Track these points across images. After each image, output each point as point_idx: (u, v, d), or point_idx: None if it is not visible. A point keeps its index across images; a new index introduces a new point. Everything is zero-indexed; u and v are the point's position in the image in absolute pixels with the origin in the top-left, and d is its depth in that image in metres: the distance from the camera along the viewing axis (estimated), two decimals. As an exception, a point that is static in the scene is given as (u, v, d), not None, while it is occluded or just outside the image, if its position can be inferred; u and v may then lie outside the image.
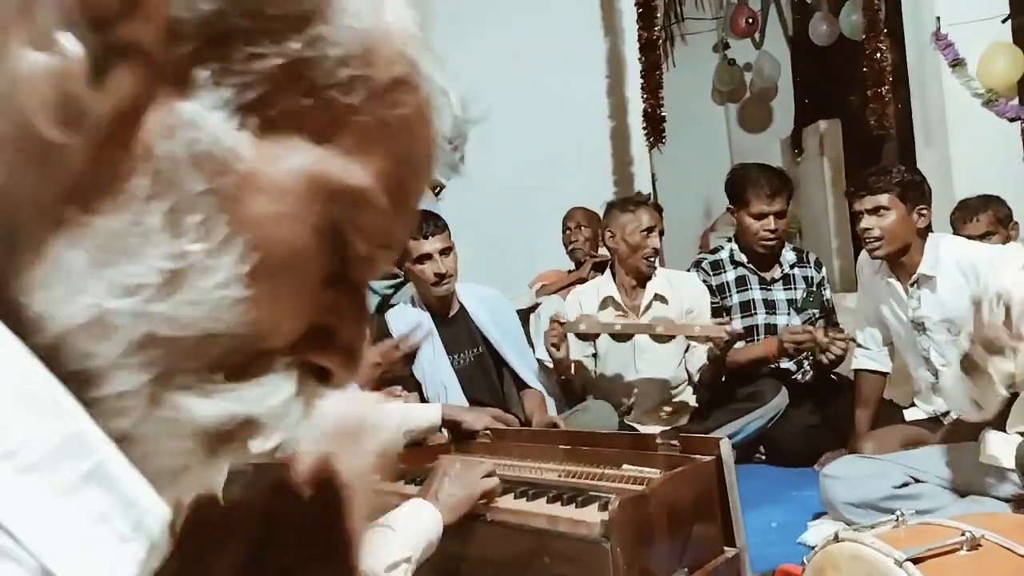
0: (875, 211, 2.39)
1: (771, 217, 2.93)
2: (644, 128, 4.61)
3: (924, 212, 2.42)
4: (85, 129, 0.31)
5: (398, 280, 3.07)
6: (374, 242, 0.37)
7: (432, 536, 1.21)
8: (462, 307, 2.65)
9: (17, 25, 0.29)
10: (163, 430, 0.33)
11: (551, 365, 2.76)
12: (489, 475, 1.40)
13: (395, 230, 0.38)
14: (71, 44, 0.29)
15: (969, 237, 2.71)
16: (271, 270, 0.33)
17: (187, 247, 0.31)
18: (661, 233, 2.87)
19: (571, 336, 2.67)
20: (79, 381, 0.30)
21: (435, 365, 2.57)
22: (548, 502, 1.39)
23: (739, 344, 2.92)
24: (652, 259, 2.83)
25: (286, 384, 0.36)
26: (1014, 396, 1.93)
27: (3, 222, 0.31)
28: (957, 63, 3.80)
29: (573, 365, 2.75)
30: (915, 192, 2.42)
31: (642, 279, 2.85)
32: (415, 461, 1.56)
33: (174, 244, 0.31)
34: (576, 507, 1.34)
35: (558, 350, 2.61)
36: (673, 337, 2.70)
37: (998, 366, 1.73)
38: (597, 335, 2.74)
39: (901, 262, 2.45)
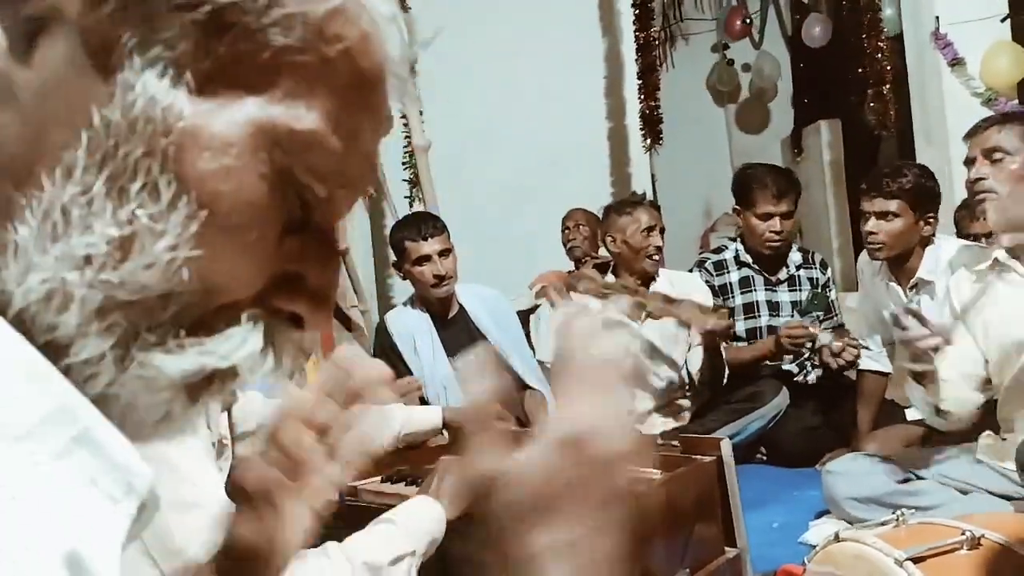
0: (883, 215, 2.35)
1: (777, 218, 2.88)
2: (641, 129, 4.61)
3: (931, 220, 2.40)
4: (15, 106, 0.30)
5: None
6: (332, 183, 0.36)
7: (435, 531, 1.21)
8: (462, 308, 2.65)
9: None
10: (138, 387, 0.33)
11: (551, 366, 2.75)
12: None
13: (351, 168, 0.37)
14: None
15: (975, 236, 2.70)
16: (223, 225, 0.33)
17: (134, 212, 0.31)
18: (662, 231, 2.87)
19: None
20: (47, 352, 0.31)
21: (435, 366, 2.57)
22: (549, 503, 1.39)
23: (739, 344, 2.92)
24: (656, 258, 2.83)
25: (254, 335, 0.35)
26: (991, 402, 1.94)
27: None
28: (956, 62, 3.80)
29: None
30: (926, 200, 2.38)
31: (646, 280, 2.85)
32: (416, 462, 1.56)
33: (120, 211, 0.31)
34: (577, 508, 1.34)
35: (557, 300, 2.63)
36: (673, 329, 2.70)
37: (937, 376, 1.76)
38: (594, 292, 2.66)
39: (902, 266, 2.44)
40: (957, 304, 1.95)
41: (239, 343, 0.35)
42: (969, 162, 1.95)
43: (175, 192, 0.31)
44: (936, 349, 1.72)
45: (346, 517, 1.21)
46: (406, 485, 1.53)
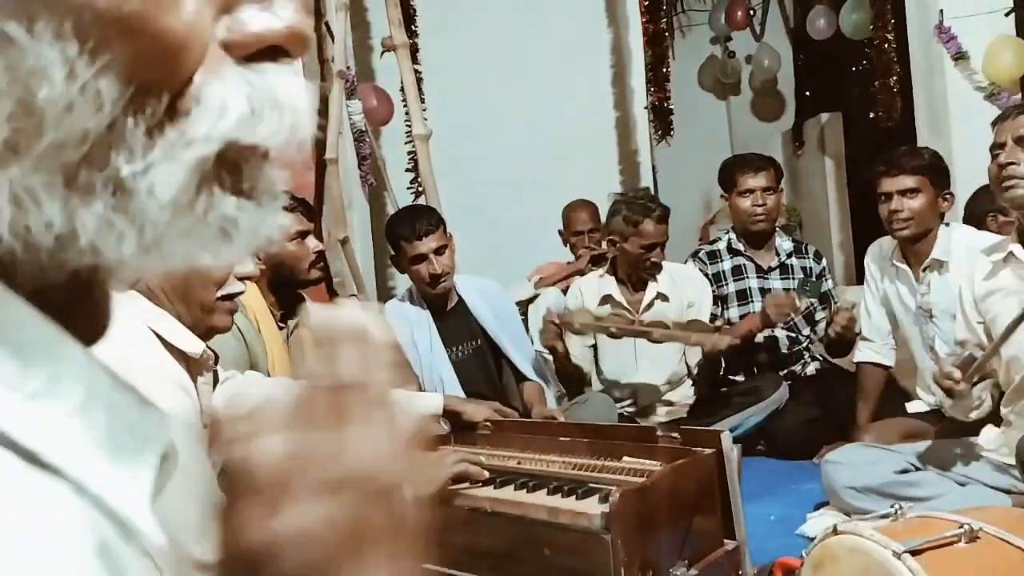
0: (905, 192, 2.38)
1: (758, 192, 2.99)
2: (651, 121, 4.61)
3: (948, 197, 2.44)
4: None
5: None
6: None
7: None
8: (461, 300, 2.65)
9: None
10: (173, 230, 0.30)
11: (550, 358, 2.76)
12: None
13: None
14: None
15: (992, 216, 2.70)
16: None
17: (9, 65, 0.27)
18: (663, 245, 2.82)
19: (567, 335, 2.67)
20: (58, 250, 0.29)
21: (433, 358, 2.57)
22: (549, 494, 1.40)
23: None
24: (653, 271, 2.81)
25: (231, 87, 0.31)
26: (1002, 394, 1.95)
27: None
28: (960, 56, 3.79)
29: (572, 360, 2.75)
30: (943, 176, 2.43)
31: (642, 283, 2.85)
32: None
33: None
34: (577, 499, 1.34)
35: (556, 348, 2.62)
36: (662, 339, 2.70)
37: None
38: (590, 332, 2.72)
39: (915, 248, 2.45)
40: (971, 297, 1.95)
41: (218, 110, 0.31)
42: (997, 147, 1.93)
43: (27, 23, 0.27)
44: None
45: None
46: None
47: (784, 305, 2.70)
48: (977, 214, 2.73)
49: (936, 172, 2.41)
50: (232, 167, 0.32)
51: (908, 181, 2.38)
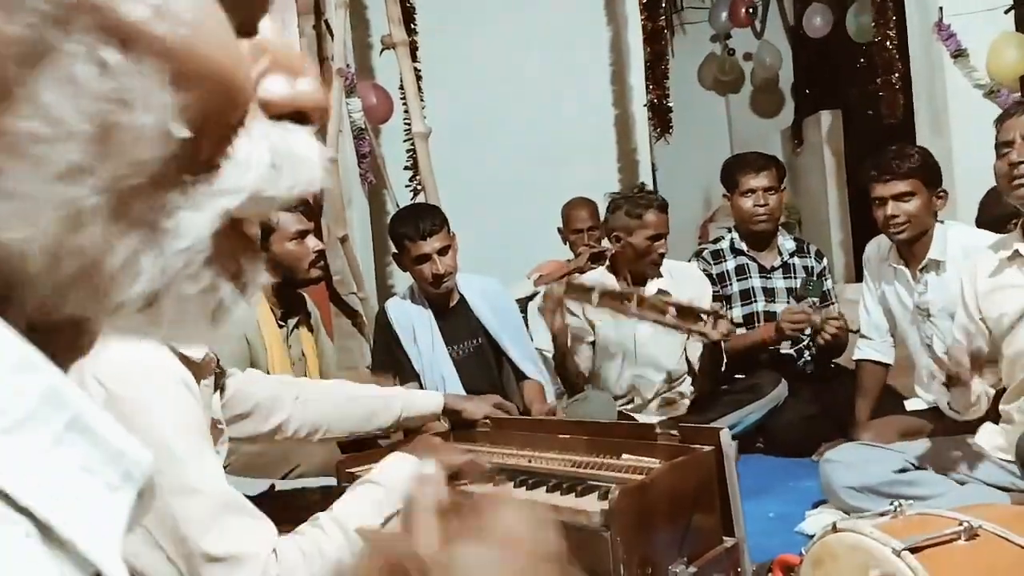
0: (900, 196, 2.38)
1: (760, 192, 2.99)
2: (650, 119, 4.61)
3: (942, 195, 2.43)
4: None
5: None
6: None
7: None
8: (462, 298, 2.65)
9: None
10: (179, 272, 0.32)
11: (550, 355, 2.75)
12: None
13: None
14: None
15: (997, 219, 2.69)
16: (184, 50, 0.30)
17: (93, 95, 0.28)
18: (667, 235, 2.82)
19: (570, 319, 2.67)
20: (85, 277, 0.30)
21: (434, 356, 2.57)
22: (548, 491, 1.39)
23: (739, 331, 2.93)
24: (658, 265, 2.80)
25: (256, 145, 0.33)
26: (1001, 391, 1.95)
27: None
28: (959, 54, 3.79)
29: (571, 338, 2.73)
30: (935, 175, 2.43)
31: (643, 279, 2.85)
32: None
33: (79, 100, 0.28)
34: (576, 496, 1.34)
35: (553, 318, 2.61)
36: (664, 322, 2.69)
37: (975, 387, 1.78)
38: (587, 294, 2.67)
39: (912, 248, 2.45)
40: (973, 293, 1.95)
41: (245, 163, 0.32)
42: (1005, 145, 1.91)
43: (120, 54, 0.28)
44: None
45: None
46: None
47: (800, 321, 2.69)
48: (994, 219, 2.72)
49: (928, 172, 2.40)
50: (237, 245, 0.34)
51: (901, 185, 2.37)
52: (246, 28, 0.34)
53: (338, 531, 1.11)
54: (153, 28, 0.29)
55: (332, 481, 1.65)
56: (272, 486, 1.90)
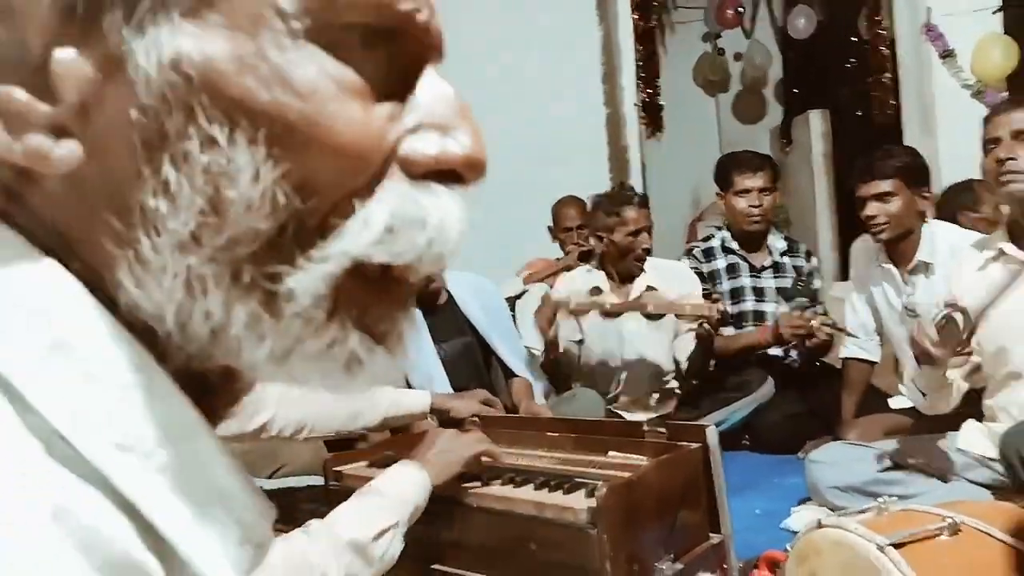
0: (880, 197, 2.39)
1: (755, 192, 3.00)
2: (642, 118, 4.61)
3: (927, 195, 2.45)
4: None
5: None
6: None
7: (419, 500, 1.22)
8: (450, 296, 2.64)
9: None
10: (297, 331, 0.32)
11: (538, 353, 2.76)
12: (483, 442, 1.42)
13: None
14: None
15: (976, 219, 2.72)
16: (295, 128, 0.31)
17: (205, 170, 0.30)
18: (650, 229, 2.83)
19: (560, 319, 2.68)
20: (210, 345, 0.32)
21: (421, 354, 2.57)
22: (535, 489, 1.40)
23: (730, 331, 2.94)
24: (643, 261, 2.81)
25: (374, 208, 0.33)
26: (978, 391, 1.97)
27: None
28: (947, 54, 3.81)
29: (562, 346, 2.75)
30: (918, 175, 2.44)
31: (631, 277, 2.86)
32: (402, 448, 1.56)
33: (194, 177, 0.30)
34: (563, 494, 1.35)
35: (548, 328, 2.61)
36: (662, 317, 2.70)
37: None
38: (587, 311, 2.72)
39: (900, 248, 2.47)
40: (957, 292, 1.96)
41: (360, 226, 0.32)
42: (992, 142, 1.92)
43: (229, 129, 0.30)
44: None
45: (331, 501, 1.22)
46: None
47: (799, 327, 2.68)
48: (950, 210, 2.76)
49: (911, 172, 2.41)
50: (363, 297, 0.34)
51: (883, 185, 2.39)
52: (400, 86, 0.34)
53: (328, 543, 1.08)
54: (256, 100, 0.30)
55: (319, 480, 1.64)
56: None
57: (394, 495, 1.19)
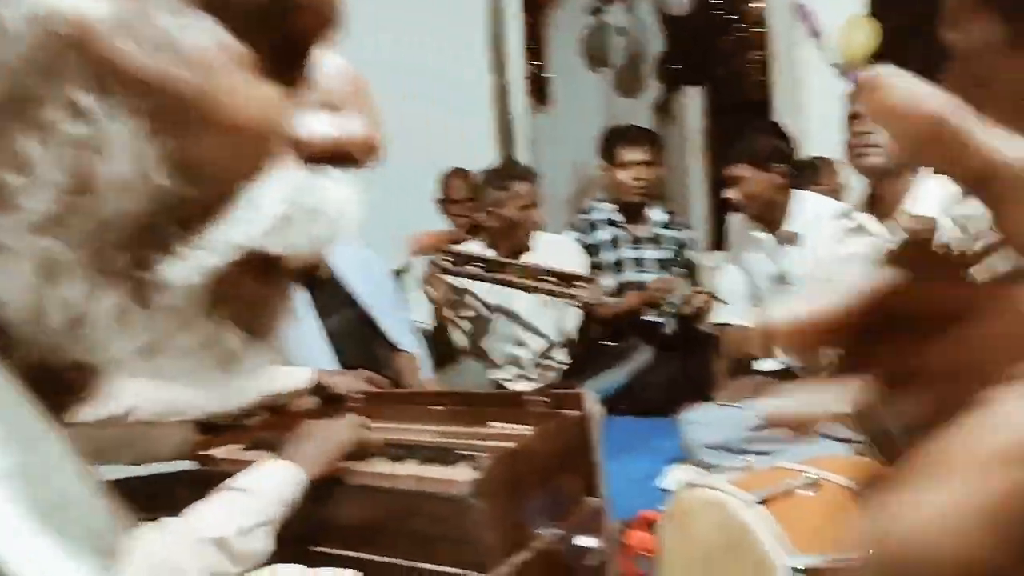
0: (735, 180, 2.53)
1: (639, 165, 3.08)
2: (528, 91, 4.62)
3: (780, 171, 2.56)
4: None
5: None
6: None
7: (289, 495, 1.18)
8: (334, 270, 2.58)
9: None
10: (170, 325, 0.29)
11: (426, 326, 2.74)
12: (359, 427, 1.39)
13: None
14: None
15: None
16: (184, 104, 0.27)
17: (68, 142, 0.26)
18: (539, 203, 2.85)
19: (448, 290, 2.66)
20: (70, 334, 0.28)
21: (304, 329, 2.50)
22: (420, 463, 1.38)
23: (611, 299, 3.02)
24: (529, 235, 2.82)
25: (268, 191, 0.30)
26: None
27: None
28: (815, 34, 4.00)
29: (449, 305, 2.73)
30: (769, 153, 2.55)
31: (521, 251, 2.87)
32: (280, 430, 1.51)
33: (54, 149, 0.26)
34: (446, 467, 1.34)
35: (433, 289, 2.60)
36: (546, 294, 2.72)
37: None
38: (467, 265, 2.67)
39: (767, 219, 2.59)
40: (817, 259, 2.08)
41: (251, 213, 0.29)
42: (853, 118, 2.06)
43: (103, 98, 0.26)
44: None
45: (203, 485, 1.16)
46: (268, 453, 1.48)
47: (666, 291, 2.80)
48: (802, 186, 2.93)
49: (759, 153, 2.54)
50: (246, 290, 0.31)
51: (733, 170, 2.54)
52: (292, 64, 0.31)
53: (182, 540, 1.03)
54: (138, 67, 0.26)
55: (189, 464, 1.57)
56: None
57: (261, 492, 1.14)
